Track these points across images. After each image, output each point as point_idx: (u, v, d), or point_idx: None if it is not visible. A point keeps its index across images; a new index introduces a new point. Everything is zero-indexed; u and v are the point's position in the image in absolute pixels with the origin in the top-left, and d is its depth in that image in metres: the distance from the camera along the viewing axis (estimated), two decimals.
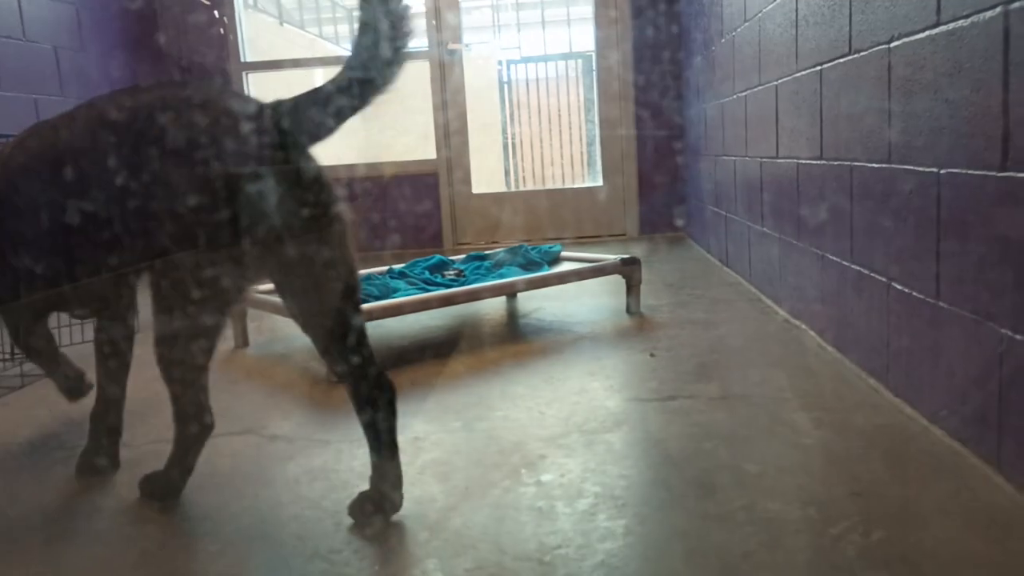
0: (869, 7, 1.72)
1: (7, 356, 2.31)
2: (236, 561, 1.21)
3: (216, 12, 4.48)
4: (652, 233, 4.65)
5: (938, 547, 1.13)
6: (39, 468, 1.64)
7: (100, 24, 4.09)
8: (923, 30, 1.47)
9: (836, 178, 1.96)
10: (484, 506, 1.34)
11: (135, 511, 1.40)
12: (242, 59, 4.61)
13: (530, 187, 6.80)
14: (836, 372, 1.90)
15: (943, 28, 1.40)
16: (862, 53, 1.76)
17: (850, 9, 1.82)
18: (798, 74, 2.22)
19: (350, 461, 1.56)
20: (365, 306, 2.20)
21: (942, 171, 1.43)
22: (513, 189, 6.64)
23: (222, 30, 4.49)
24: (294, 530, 1.30)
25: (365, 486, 1.44)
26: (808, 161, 2.17)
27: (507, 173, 7.07)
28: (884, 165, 1.67)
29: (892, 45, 1.61)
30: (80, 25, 3.90)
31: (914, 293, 1.57)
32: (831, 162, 1.99)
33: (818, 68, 2.05)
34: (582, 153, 7.03)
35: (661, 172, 4.60)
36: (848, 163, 1.88)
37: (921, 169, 1.51)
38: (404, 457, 1.56)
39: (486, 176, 5.57)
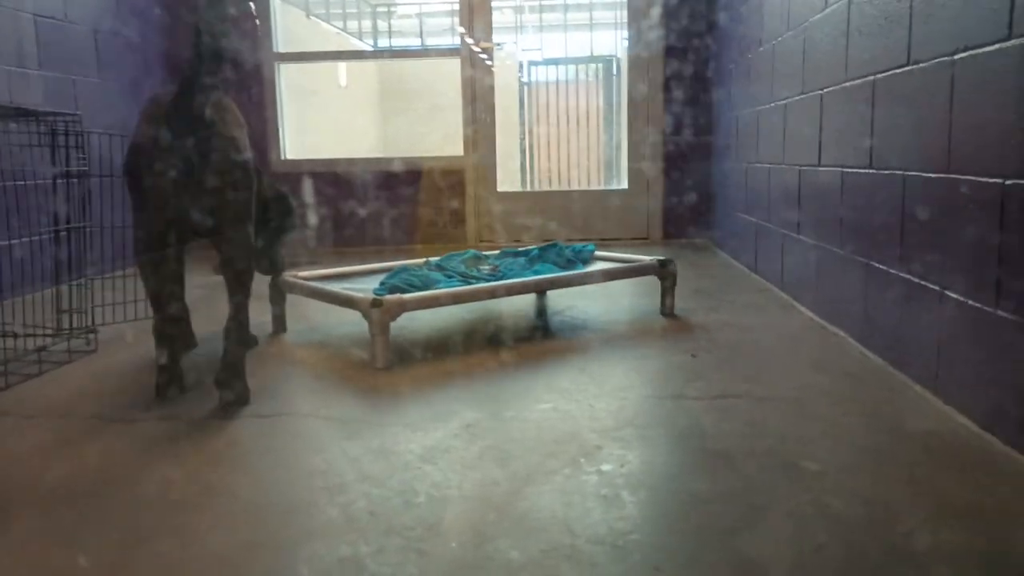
0: (931, 19, 1.75)
1: (54, 331, 2.34)
2: (313, 529, 1.24)
3: (251, 3, 4.50)
4: (675, 238, 4.68)
5: (1007, 546, 1.15)
6: (100, 437, 1.66)
7: (138, 8, 4.12)
8: (993, 43, 1.50)
9: (887, 187, 1.98)
10: (548, 491, 1.36)
11: (204, 478, 1.43)
12: (274, 50, 4.63)
13: (545, 188, 6.83)
14: (881, 379, 1.93)
15: (1016, 42, 1.42)
16: (922, 64, 1.79)
17: (910, 21, 1.85)
18: (847, 84, 2.25)
19: (408, 443, 1.59)
20: (410, 296, 2.23)
21: (1007, 182, 1.46)
22: (529, 189, 6.67)
23: (257, 21, 4.51)
24: (364, 506, 1.32)
25: (427, 467, 1.47)
26: (855, 170, 2.19)
27: (523, 172, 7.11)
28: (943, 175, 1.70)
29: (956, 57, 1.63)
30: (118, 8, 3.92)
31: (970, 302, 1.59)
32: (881, 171, 2.02)
33: (871, 78, 2.07)
34: (599, 156, 7.07)
35: (687, 177, 4.63)
36: (901, 172, 1.90)
37: (983, 180, 1.54)
38: (458, 442, 1.59)
39: (504, 175, 5.60)
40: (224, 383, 1.83)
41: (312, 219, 4.63)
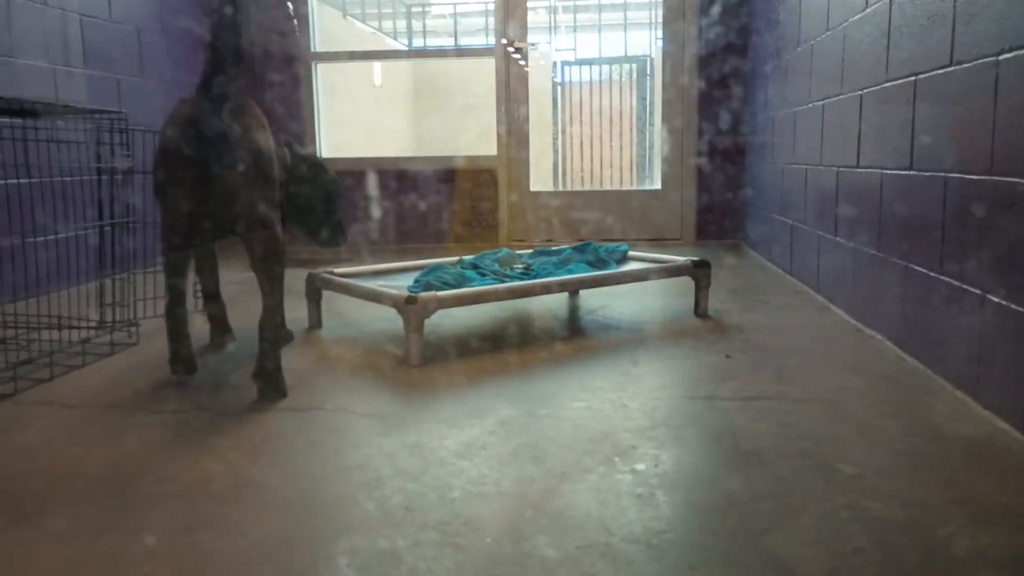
0: (975, 19, 1.72)
1: (98, 324, 2.39)
2: (350, 523, 1.26)
3: (290, 3, 4.56)
4: (708, 239, 4.65)
5: None
6: (140, 428, 1.70)
7: (180, 7, 4.18)
8: None
9: (928, 188, 1.96)
10: (583, 489, 1.37)
11: (242, 471, 1.45)
12: (312, 49, 4.68)
13: (578, 188, 6.82)
14: (919, 382, 1.91)
15: None
16: (965, 65, 1.77)
17: (953, 20, 1.83)
18: (887, 84, 2.22)
19: (443, 439, 1.60)
20: (445, 293, 2.24)
21: None
22: (562, 188, 6.67)
23: (295, 21, 4.56)
24: (400, 501, 1.34)
25: (463, 463, 1.48)
26: (895, 171, 2.17)
27: (556, 172, 7.10)
28: (985, 177, 1.67)
29: (1001, 58, 1.61)
30: (161, 7, 3.99)
31: (1013, 306, 1.57)
32: (922, 172, 2.00)
33: (912, 79, 2.05)
34: (632, 156, 7.04)
35: (721, 178, 4.60)
36: (942, 174, 1.88)
37: None
38: (493, 439, 1.61)
39: (538, 175, 5.60)
40: (261, 377, 1.86)
41: (350, 215, 4.67)
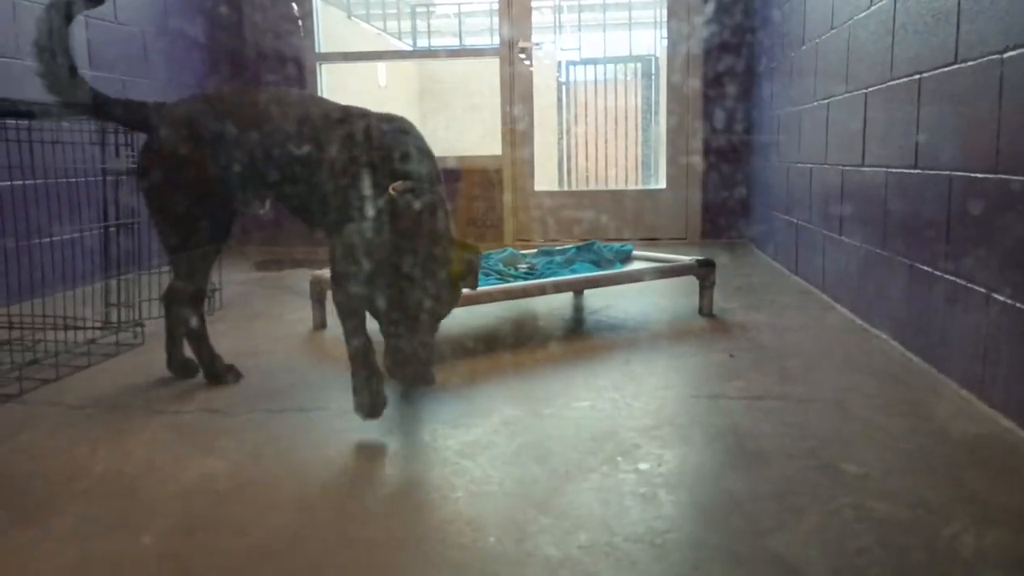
0: (980, 16, 1.72)
1: (103, 324, 2.40)
2: (354, 524, 1.26)
3: (295, 4, 4.57)
4: (714, 238, 4.65)
5: None
6: (146, 428, 1.70)
7: (185, 10, 4.19)
8: None
9: (933, 187, 1.95)
10: (586, 489, 1.37)
11: (246, 471, 1.45)
12: (317, 50, 4.69)
13: (582, 187, 6.82)
14: (924, 381, 1.90)
15: None
16: (970, 63, 1.76)
17: (958, 18, 1.82)
18: (892, 82, 2.22)
19: (446, 439, 1.60)
20: None
21: None
22: (566, 188, 6.66)
23: (300, 22, 4.57)
24: (405, 501, 1.34)
25: (466, 462, 1.48)
26: (900, 170, 2.16)
27: (560, 172, 7.10)
28: (990, 175, 1.67)
29: (1006, 55, 1.60)
30: (167, 10, 4.00)
31: (1018, 305, 1.56)
32: (927, 171, 1.99)
33: (916, 77, 2.04)
34: (636, 156, 7.03)
35: (726, 177, 4.59)
36: (947, 172, 1.87)
37: None
38: (497, 439, 1.60)
39: (542, 175, 5.61)
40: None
41: None
